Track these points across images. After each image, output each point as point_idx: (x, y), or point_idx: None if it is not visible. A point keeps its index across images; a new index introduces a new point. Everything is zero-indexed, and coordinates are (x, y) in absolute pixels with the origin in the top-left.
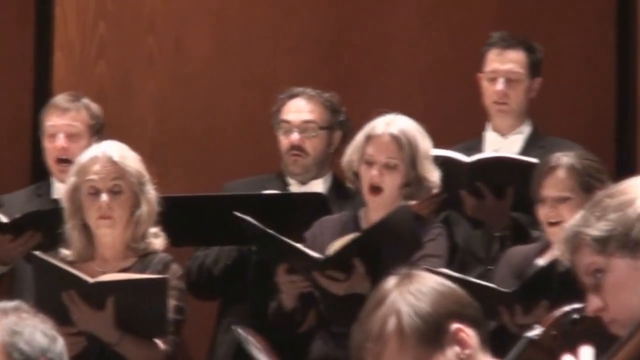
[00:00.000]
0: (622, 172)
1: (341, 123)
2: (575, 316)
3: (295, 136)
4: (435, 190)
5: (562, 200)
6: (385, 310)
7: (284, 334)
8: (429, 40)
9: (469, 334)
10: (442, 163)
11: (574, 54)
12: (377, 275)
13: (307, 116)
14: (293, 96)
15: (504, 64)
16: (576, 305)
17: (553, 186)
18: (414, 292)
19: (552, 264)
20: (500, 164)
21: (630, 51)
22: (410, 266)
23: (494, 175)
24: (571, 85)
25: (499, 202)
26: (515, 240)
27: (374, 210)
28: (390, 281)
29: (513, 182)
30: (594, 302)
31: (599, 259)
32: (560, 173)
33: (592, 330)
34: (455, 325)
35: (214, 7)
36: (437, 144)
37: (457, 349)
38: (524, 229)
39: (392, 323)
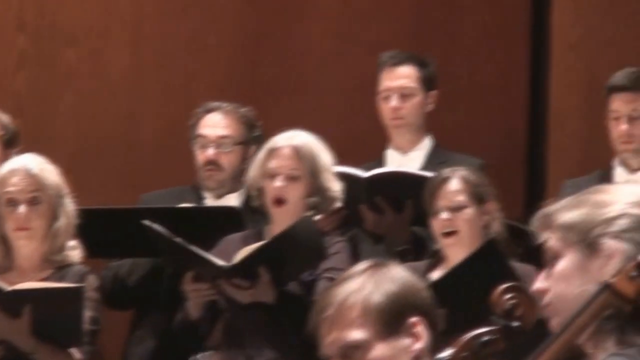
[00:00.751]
0: (532, 190)
1: (257, 138)
2: (486, 338)
3: (210, 151)
4: (338, 202)
5: (457, 209)
6: (355, 284)
7: (190, 345)
8: (344, 56)
9: (424, 332)
10: (341, 179)
11: (487, 72)
12: (281, 283)
13: (223, 131)
14: (209, 111)
15: (395, 80)
16: (488, 328)
17: (447, 196)
18: (387, 275)
19: (452, 274)
20: (396, 178)
21: (543, 69)
22: (315, 277)
23: (392, 189)
24: (483, 103)
25: (398, 217)
26: (416, 254)
27: (279, 225)
28: (364, 263)
29: (411, 195)
30: (540, 283)
31: (560, 245)
32: (454, 183)
33: (503, 352)
34: (414, 319)
35: (132, 20)
36: (352, 162)
37: (408, 341)
38: (424, 243)
39: (358, 295)
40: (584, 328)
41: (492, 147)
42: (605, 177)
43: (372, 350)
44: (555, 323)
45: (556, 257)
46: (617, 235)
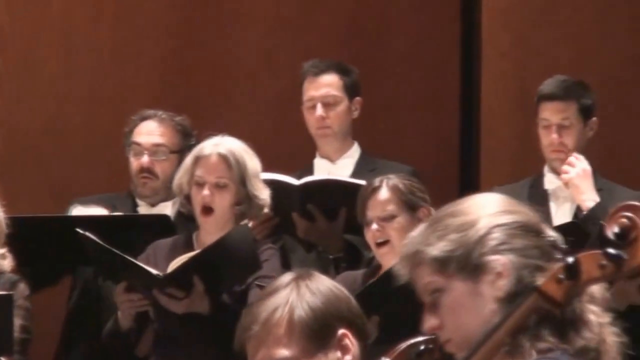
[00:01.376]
0: (466, 195)
1: (192, 147)
2: (422, 347)
3: (145, 159)
4: (266, 209)
5: (388, 219)
6: (279, 299)
7: (119, 355)
8: (276, 65)
9: (353, 343)
10: (273, 187)
11: (418, 79)
12: (216, 293)
13: (158, 139)
14: (145, 118)
15: (318, 89)
16: (424, 337)
17: (378, 206)
18: (312, 288)
19: (384, 279)
20: (330, 185)
21: (474, 77)
22: (246, 286)
23: (324, 197)
24: (415, 111)
25: (331, 225)
26: (349, 262)
27: (207, 232)
28: (288, 276)
29: (344, 203)
30: (430, 321)
31: (438, 279)
32: (384, 193)
33: None
34: (342, 330)
35: (62, 27)
36: (284, 170)
37: (337, 354)
38: (357, 251)
39: (283, 311)
40: (514, 330)
41: (425, 154)
42: (536, 184)
43: None
44: (460, 356)
45: (438, 292)
46: (496, 250)
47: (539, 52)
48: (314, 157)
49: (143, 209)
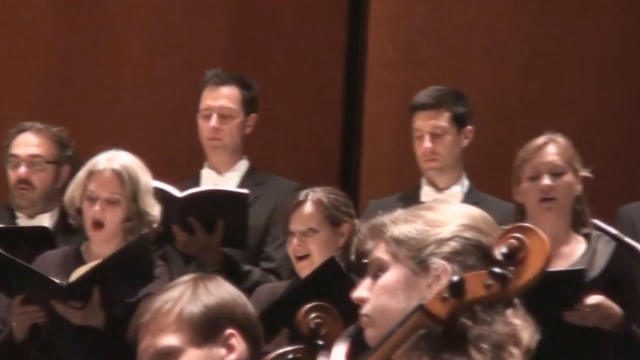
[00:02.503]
0: None
1: (69, 158)
2: (291, 357)
3: (22, 170)
4: (155, 225)
5: (309, 233)
6: (174, 292)
7: None
8: (158, 74)
9: (240, 344)
10: (158, 196)
11: (302, 91)
12: (111, 306)
13: (35, 150)
14: (22, 130)
15: (217, 100)
16: (293, 347)
17: (300, 220)
18: (209, 288)
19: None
20: (210, 196)
21: (358, 89)
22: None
23: (205, 209)
24: (298, 123)
25: (210, 238)
26: (227, 276)
27: (97, 245)
28: (191, 275)
29: (223, 214)
30: (361, 292)
31: (387, 258)
32: (308, 207)
33: None
34: (230, 330)
35: None
36: (167, 181)
37: (222, 351)
38: (235, 265)
39: (175, 303)
40: (398, 345)
41: (307, 167)
42: (410, 197)
43: (184, 356)
44: (370, 334)
45: (382, 268)
46: (448, 257)
47: (423, 65)
48: (195, 167)
49: (22, 220)
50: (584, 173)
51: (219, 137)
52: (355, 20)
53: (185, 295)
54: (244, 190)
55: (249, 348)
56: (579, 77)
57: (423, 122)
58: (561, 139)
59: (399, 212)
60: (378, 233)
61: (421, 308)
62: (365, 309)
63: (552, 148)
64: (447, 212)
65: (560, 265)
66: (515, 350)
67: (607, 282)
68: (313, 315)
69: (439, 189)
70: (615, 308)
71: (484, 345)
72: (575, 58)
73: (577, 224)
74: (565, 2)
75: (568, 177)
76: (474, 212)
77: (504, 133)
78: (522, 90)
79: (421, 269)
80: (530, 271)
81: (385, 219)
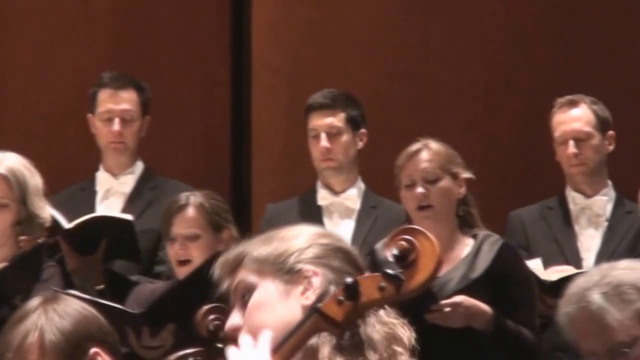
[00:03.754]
0: (238, 215)
1: None
2: (191, 359)
3: None
4: (47, 224)
5: (192, 238)
6: (29, 324)
7: None
8: (43, 82)
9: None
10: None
11: (188, 93)
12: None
13: None
14: None
15: (118, 104)
16: (193, 349)
17: (183, 224)
18: (59, 311)
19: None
20: (95, 223)
21: (244, 93)
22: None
23: (88, 235)
24: (187, 128)
25: (90, 258)
26: (115, 293)
27: None
28: (35, 300)
29: (106, 235)
30: (234, 320)
31: (253, 278)
32: (190, 211)
33: None
34: (94, 349)
35: None
36: (55, 185)
37: None
38: (123, 279)
39: (34, 336)
40: (294, 351)
41: (197, 171)
42: (308, 200)
43: None
44: None
45: (249, 290)
46: (313, 262)
47: (308, 68)
48: (89, 170)
49: None
50: (466, 175)
51: (123, 141)
52: (239, 25)
53: (40, 325)
54: (127, 216)
55: (113, 358)
56: (463, 83)
57: (319, 122)
58: (434, 145)
59: (251, 241)
60: (236, 264)
61: (317, 310)
62: (243, 333)
63: (424, 155)
64: (297, 229)
65: (444, 269)
66: (400, 349)
67: (491, 282)
68: (212, 317)
69: (335, 192)
70: (482, 307)
71: (377, 347)
72: (459, 63)
73: (464, 226)
74: (449, 8)
75: (444, 183)
76: (316, 227)
77: (388, 138)
78: (406, 95)
79: (291, 277)
80: (423, 273)
81: (239, 249)
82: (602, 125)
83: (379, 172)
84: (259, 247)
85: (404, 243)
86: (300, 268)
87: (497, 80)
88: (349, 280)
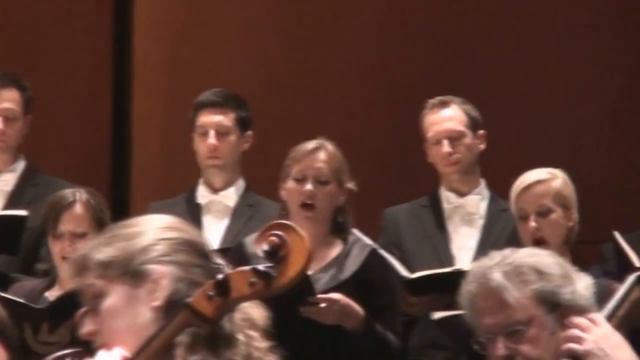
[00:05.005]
0: (117, 213)
1: None
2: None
3: None
4: None
5: (81, 235)
6: None
7: None
8: None
9: (1, 353)
10: None
11: (69, 90)
12: None
13: None
14: None
15: (1, 102)
16: (70, 350)
17: (72, 221)
18: None
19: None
20: None
21: (126, 89)
22: None
23: None
24: (68, 124)
25: None
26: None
27: None
28: None
29: None
30: (88, 325)
31: (101, 283)
32: (78, 208)
33: None
34: None
35: None
36: None
37: None
38: (1, 274)
39: None
40: (165, 345)
41: (78, 169)
42: (189, 198)
43: None
44: None
45: (99, 296)
46: (159, 260)
47: (187, 66)
48: None
49: None
50: (350, 185)
51: (4, 140)
52: (121, 22)
53: None
54: (22, 212)
55: (8, 352)
56: (340, 84)
57: (209, 119)
58: (331, 147)
59: (96, 239)
60: (83, 266)
61: (187, 306)
62: (99, 340)
63: (322, 155)
64: (141, 223)
65: (314, 268)
66: (254, 333)
67: (359, 285)
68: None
69: (214, 190)
70: (355, 307)
71: (234, 335)
72: (338, 63)
73: (337, 230)
74: (325, 10)
75: (331, 187)
76: (164, 216)
77: (265, 138)
78: (284, 94)
79: (138, 280)
80: (293, 269)
81: (84, 250)
82: (473, 124)
83: (257, 172)
84: (102, 249)
85: (274, 239)
86: (146, 269)
87: (372, 81)
88: (219, 276)
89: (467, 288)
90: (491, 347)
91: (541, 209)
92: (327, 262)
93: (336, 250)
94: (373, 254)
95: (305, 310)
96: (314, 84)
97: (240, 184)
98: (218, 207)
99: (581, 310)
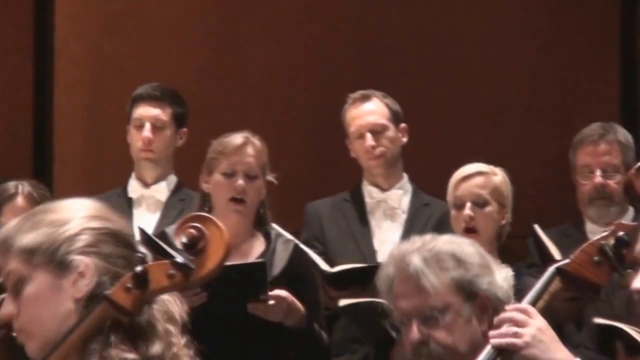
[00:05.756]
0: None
1: None
2: None
3: None
4: None
5: None
6: None
7: None
8: None
9: None
10: None
11: None
12: None
13: None
14: None
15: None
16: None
17: (13, 214)
18: None
19: None
20: None
21: (47, 86)
22: None
23: None
24: None
25: None
26: None
27: None
28: None
29: None
30: (8, 307)
31: (23, 268)
32: (20, 201)
33: None
34: None
35: None
36: None
37: None
38: None
39: None
40: (83, 337)
41: (0, 161)
42: (122, 192)
43: None
44: (33, 347)
45: (21, 280)
46: (84, 251)
47: (109, 62)
48: None
49: None
50: (270, 178)
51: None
52: (42, 16)
53: None
54: None
55: None
56: (263, 78)
57: (145, 112)
58: (258, 142)
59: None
60: (6, 248)
61: (105, 298)
62: (18, 324)
63: (250, 150)
64: (67, 210)
65: (239, 261)
66: (172, 327)
67: (288, 281)
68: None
69: (146, 184)
70: (298, 304)
71: (157, 329)
72: (261, 58)
73: (258, 224)
74: (250, 2)
75: (259, 182)
76: (90, 202)
77: (192, 131)
78: (208, 88)
79: (62, 270)
80: (212, 261)
81: (8, 232)
82: (395, 117)
83: (186, 166)
84: (27, 233)
85: (193, 231)
86: (71, 260)
87: (295, 75)
88: (137, 268)
89: (386, 271)
90: (406, 330)
91: (478, 200)
92: (253, 258)
93: (260, 244)
94: (297, 249)
95: (252, 307)
96: (237, 78)
97: (172, 178)
98: (149, 201)
99: (498, 302)
